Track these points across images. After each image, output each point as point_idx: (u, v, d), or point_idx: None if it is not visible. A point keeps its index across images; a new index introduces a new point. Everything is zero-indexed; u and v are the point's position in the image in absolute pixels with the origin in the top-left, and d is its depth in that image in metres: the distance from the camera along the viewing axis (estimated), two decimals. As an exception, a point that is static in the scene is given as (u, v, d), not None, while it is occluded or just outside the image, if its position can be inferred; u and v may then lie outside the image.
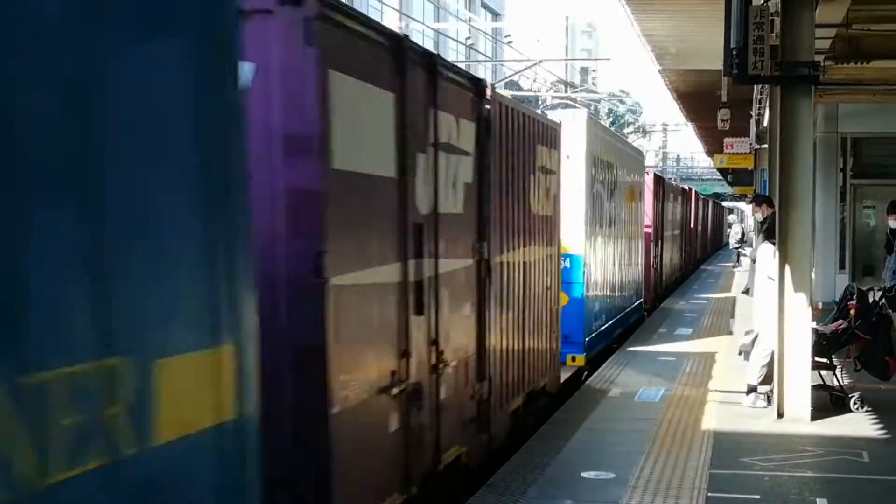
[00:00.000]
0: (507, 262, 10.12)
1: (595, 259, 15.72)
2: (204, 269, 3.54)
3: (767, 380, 11.58)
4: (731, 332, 18.67)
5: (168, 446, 3.24)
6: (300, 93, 5.65)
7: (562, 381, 13.01)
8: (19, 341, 2.62)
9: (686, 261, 35.66)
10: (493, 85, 9.86)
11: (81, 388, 2.83)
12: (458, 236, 8.42)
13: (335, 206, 5.91)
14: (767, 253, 11.93)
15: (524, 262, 10.84)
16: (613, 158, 17.80)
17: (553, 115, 13.82)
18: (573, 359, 14.13)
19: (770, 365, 11.43)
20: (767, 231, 12.51)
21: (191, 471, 3.44)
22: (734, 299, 24.90)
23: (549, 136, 12.24)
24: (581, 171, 14.73)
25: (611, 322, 17.34)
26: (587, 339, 14.80)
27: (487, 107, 9.35)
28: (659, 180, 27.02)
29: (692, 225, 38.83)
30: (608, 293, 17.32)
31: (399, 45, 7.06)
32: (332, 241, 5.81)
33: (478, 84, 9.29)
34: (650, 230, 24.13)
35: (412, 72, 7.24)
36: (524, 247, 10.83)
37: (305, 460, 5.70)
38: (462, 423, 8.58)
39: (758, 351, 11.82)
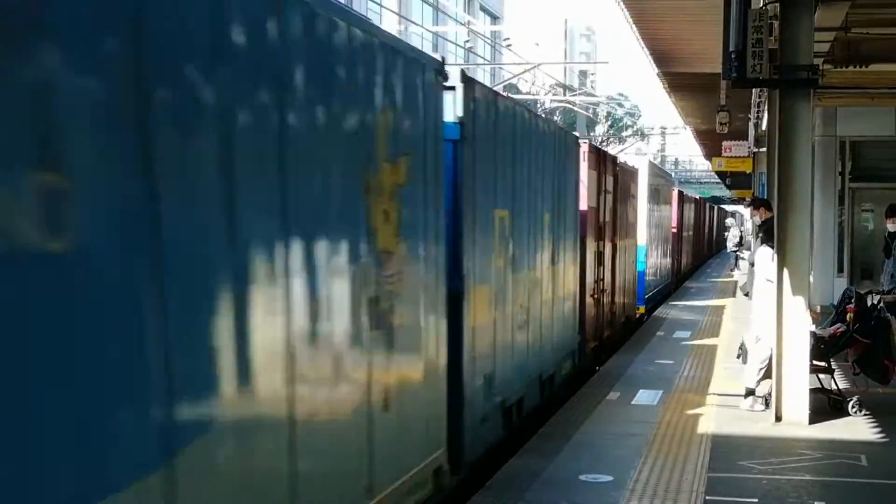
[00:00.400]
0: (620, 246, 19.01)
1: (649, 248, 24.48)
2: (573, 239, 14.20)
3: (766, 382, 11.57)
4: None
5: (563, 296, 13.42)
6: (583, 182, 15.11)
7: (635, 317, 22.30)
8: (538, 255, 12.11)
9: (697, 255, 45.06)
10: (618, 155, 20.75)
11: (548, 275, 12.56)
12: (608, 232, 17.65)
13: (586, 219, 15.16)
14: (766, 256, 11.92)
15: (625, 247, 19.80)
16: (658, 182, 27.50)
17: (629, 160, 23.89)
18: (636, 308, 22.30)
19: (768, 368, 11.42)
20: (766, 234, 12.50)
21: (568, 304, 13.89)
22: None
23: (635, 175, 22.37)
24: (644, 194, 23.89)
25: (655, 290, 26.11)
26: (645, 297, 23.46)
27: (618, 168, 18.91)
28: (681, 194, 36.21)
29: (701, 227, 48.36)
30: (654, 272, 26.11)
31: (598, 151, 17.13)
32: (587, 230, 15.28)
33: (615, 158, 19.41)
34: (675, 230, 32.65)
35: (600, 160, 16.99)
36: (626, 238, 19.98)
37: (580, 312, 14.81)
38: (608, 321, 17.81)
39: (756, 354, 11.81)
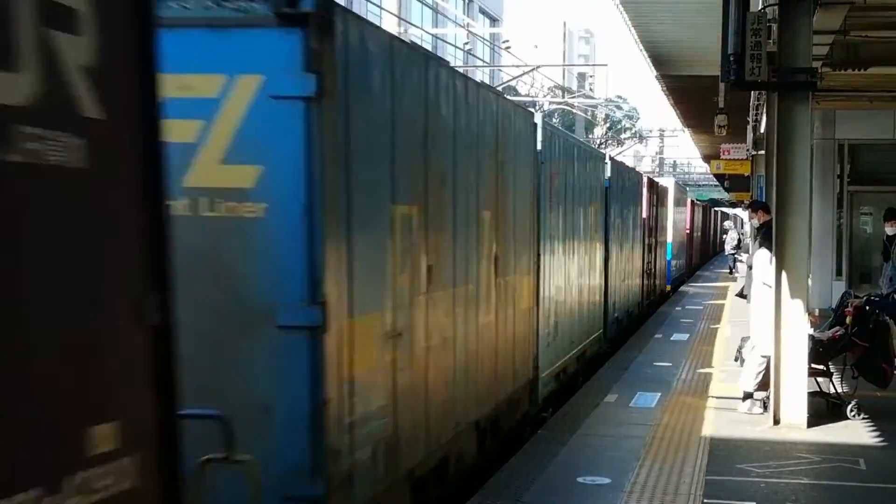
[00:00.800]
0: (657, 241, 27.30)
1: (673, 245, 32.92)
2: (640, 236, 24.14)
3: (763, 386, 11.56)
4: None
5: (634, 269, 23.24)
6: (644, 199, 25.11)
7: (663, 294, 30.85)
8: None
9: (704, 252, 54.27)
10: (657, 180, 31.26)
11: (631, 256, 22.59)
12: (653, 232, 26.50)
13: (644, 224, 24.84)
14: (764, 259, 11.91)
15: (660, 243, 28.38)
16: (678, 196, 36.35)
17: (659, 181, 32.19)
18: (666, 287, 31.14)
19: (766, 371, 11.41)
20: (764, 237, 12.49)
21: (637, 275, 23.73)
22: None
23: (666, 191, 31.56)
24: (671, 205, 32.71)
25: (676, 276, 34.46)
26: (671, 279, 32.55)
27: (657, 187, 28.62)
28: (692, 203, 44.73)
29: (707, 229, 57.54)
30: (676, 262, 34.32)
31: (650, 179, 27.75)
32: (645, 231, 24.98)
33: (656, 182, 29.43)
34: (688, 232, 40.63)
35: (651, 184, 26.95)
36: (660, 237, 28.43)
37: (642, 281, 24.66)
38: (651, 290, 26.57)
39: (754, 357, 11.79)
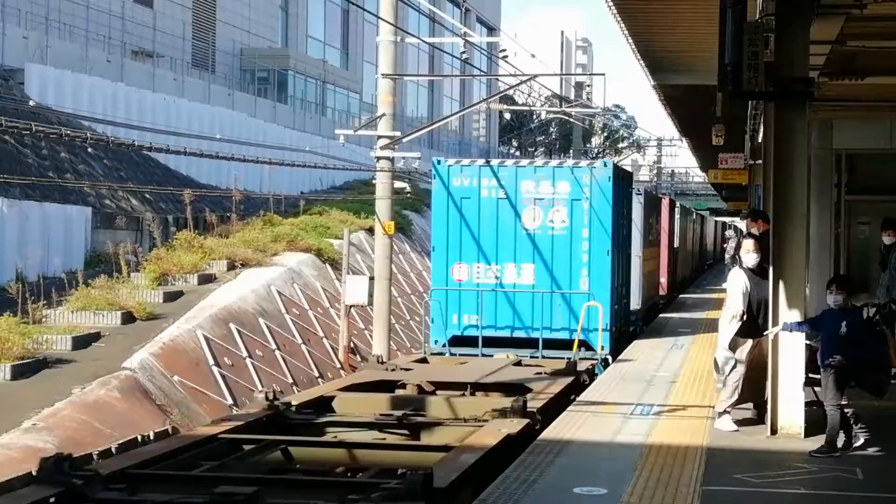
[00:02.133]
0: (702, 243, 54.55)
1: (708, 245, 59.03)
2: (701, 241, 53.54)
3: (742, 398, 11.61)
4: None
5: (700, 252, 53.09)
6: (699, 226, 53.03)
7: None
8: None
9: (715, 253, 69.56)
10: (705, 214, 62.41)
11: (700, 246, 52.60)
12: (701, 238, 53.36)
13: (700, 235, 54.36)
14: (736, 278, 11.85)
15: (705, 244, 55.97)
16: (708, 218, 60.87)
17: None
18: (705, 264, 55.87)
19: (742, 388, 11.46)
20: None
21: (697, 255, 52.21)
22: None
23: (706, 218, 59.17)
24: (707, 225, 57.68)
25: (708, 261, 57.34)
26: (707, 262, 56.46)
27: (704, 218, 56.26)
28: (714, 222, 64.69)
29: (718, 237, 73.12)
30: (709, 254, 60.02)
31: (702, 215, 56.71)
32: (703, 237, 56.74)
33: (704, 216, 58.66)
34: (713, 239, 61.14)
35: (703, 218, 55.69)
36: (703, 241, 54.46)
37: (698, 260, 52.64)
38: (699, 265, 49.82)
39: (733, 372, 11.72)
